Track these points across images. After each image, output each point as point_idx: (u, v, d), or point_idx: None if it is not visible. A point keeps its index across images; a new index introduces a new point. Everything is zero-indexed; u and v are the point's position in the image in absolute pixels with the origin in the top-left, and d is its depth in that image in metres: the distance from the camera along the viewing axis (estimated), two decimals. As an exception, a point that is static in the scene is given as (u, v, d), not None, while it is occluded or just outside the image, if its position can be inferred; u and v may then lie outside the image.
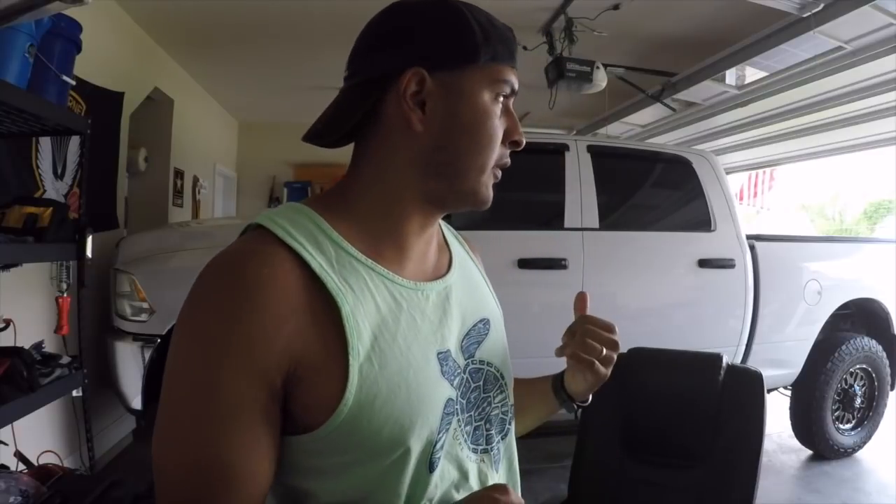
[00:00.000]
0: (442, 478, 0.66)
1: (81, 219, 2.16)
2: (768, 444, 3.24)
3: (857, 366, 3.51)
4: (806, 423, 3.47)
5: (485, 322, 0.75)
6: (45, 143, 2.62)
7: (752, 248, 3.22)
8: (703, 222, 3.19)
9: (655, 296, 3.10)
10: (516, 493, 0.60)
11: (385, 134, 0.66)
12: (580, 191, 3.00)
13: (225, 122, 6.54)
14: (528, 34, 3.71)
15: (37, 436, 2.35)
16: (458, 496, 0.66)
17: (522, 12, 3.45)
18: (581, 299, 0.79)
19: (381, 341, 0.60)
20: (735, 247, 3.17)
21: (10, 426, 1.89)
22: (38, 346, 2.10)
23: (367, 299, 0.61)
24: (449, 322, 0.69)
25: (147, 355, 2.58)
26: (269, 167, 7.04)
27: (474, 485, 0.69)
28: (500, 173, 0.69)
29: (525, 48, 3.75)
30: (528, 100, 4.92)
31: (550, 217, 3.08)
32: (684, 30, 3.62)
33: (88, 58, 2.30)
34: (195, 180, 5.24)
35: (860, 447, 3.58)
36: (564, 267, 2.89)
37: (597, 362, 0.74)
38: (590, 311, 0.78)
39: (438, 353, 0.66)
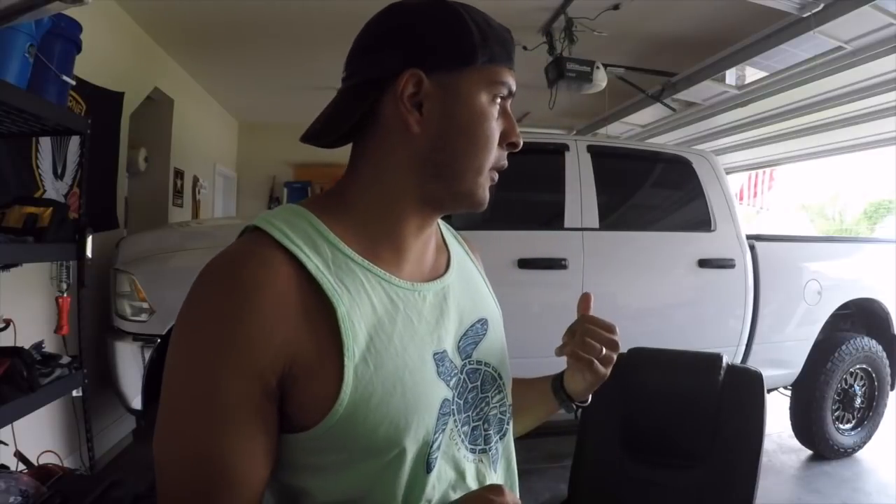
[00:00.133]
0: (439, 478, 0.66)
1: (81, 219, 2.15)
2: (768, 444, 3.25)
3: (857, 366, 3.50)
4: (806, 423, 3.47)
5: (483, 322, 0.75)
6: (45, 143, 2.62)
7: (752, 248, 3.22)
8: (703, 222, 3.19)
9: (655, 296, 3.10)
10: (512, 493, 0.60)
11: (383, 135, 0.66)
12: (580, 191, 3.00)
13: (225, 122, 6.54)
14: (528, 34, 3.71)
15: (37, 436, 2.35)
16: (456, 496, 0.66)
17: (522, 12, 3.45)
18: (585, 300, 0.79)
19: (376, 342, 0.61)
20: (735, 247, 3.17)
21: (10, 426, 1.89)
22: (38, 346, 2.10)
23: (363, 300, 0.61)
24: (446, 322, 0.69)
25: (147, 355, 2.58)
26: (269, 167, 7.04)
27: (472, 485, 0.69)
28: (496, 176, 0.70)
29: (525, 48, 3.75)
30: (528, 100, 4.92)
31: (550, 217, 3.08)
32: (684, 30, 3.62)
33: (88, 58, 2.30)
34: (195, 180, 5.24)
35: (860, 447, 3.58)
36: (564, 267, 2.89)
37: (596, 362, 0.74)
38: (591, 312, 0.78)
39: (435, 354, 0.66)
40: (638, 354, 1.43)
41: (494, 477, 0.73)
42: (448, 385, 0.67)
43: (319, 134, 0.67)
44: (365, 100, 0.65)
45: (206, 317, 0.57)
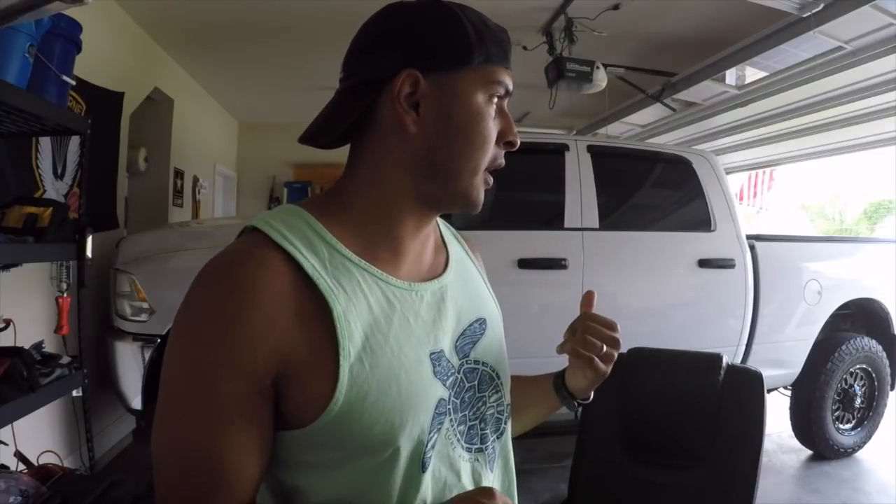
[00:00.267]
0: (434, 478, 0.66)
1: (81, 219, 2.16)
2: (768, 444, 3.25)
3: (857, 366, 3.50)
4: (806, 423, 3.47)
5: (481, 322, 0.75)
6: (45, 143, 2.62)
7: (752, 248, 3.22)
8: (703, 222, 3.19)
9: (655, 296, 3.10)
10: (503, 495, 0.60)
11: (380, 135, 0.66)
12: (580, 191, 3.00)
13: (225, 122, 6.54)
14: (528, 34, 3.71)
15: (37, 436, 2.35)
16: (451, 496, 0.67)
17: (522, 12, 3.45)
18: (587, 297, 0.79)
19: (372, 342, 0.61)
20: (735, 247, 3.17)
21: (10, 426, 1.89)
22: (38, 346, 2.10)
23: (359, 300, 0.62)
24: (443, 322, 0.69)
25: (147, 355, 2.58)
26: (269, 167, 7.04)
27: (467, 484, 0.69)
28: (491, 179, 0.70)
29: (525, 48, 3.75)
30: (528, 100, 4.92)
31: (550, 217, 3.08)
32: (684, 30, 3.62)
33: (88, 58, 2.30)
34: (195, 180, 5.24)
35: (860, 447, 3.58)
36: (564, 267, 2.89)
37: (596, 359, 0.74)
38: (593, 310, 0.78)
39: (431, 354, 0.66)
40: (638, 354, 1.43)
41: (491, 476, 0.73)
42: (444, 385, 0.67)
43: (317, 135, 0.68)
44: (362, 100, 0.65)
45: (203, 316, 0.58)
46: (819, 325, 3.39)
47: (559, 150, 3.06)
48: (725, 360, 1.37)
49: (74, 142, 2.74)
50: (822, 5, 2.78)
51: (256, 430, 0.59)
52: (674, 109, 4.65)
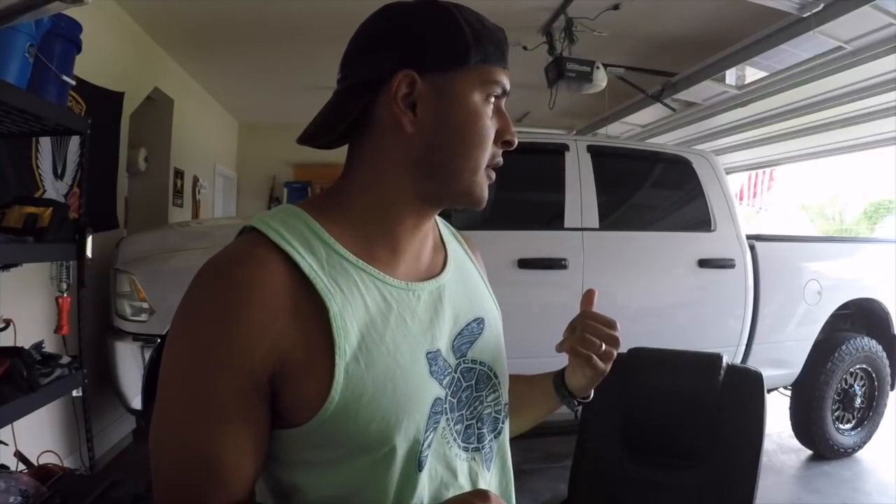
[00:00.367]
0: (430, 477, 0.66)
1: (81, 219, 2.15)
2: (768, 444, 3.25)
3: (857, 366, 3.50)
4: (806, 423, 3.47)
5: (479, 321, 0.75)
6: (45, 143, 2.62)
7: (752, 248, 3.22)
8: (703, 222, 3.19)
9: (655, 296, 3.10)
10: (499, 498, 0.60)
11: (378, 135, 0.67)
12: (580, 191, 3.00)
13: (225, 122, 6.54)
14: (528, 34, 3.71)
15: (37, 436, 2.35)
16: (449, 495, 0.67)
17: (522, 12, 3.45)
18: (588, 296, 0.79)
19: (368, 341, 0.62)
20: (735, 247, 3.17)
21: (10, 426, 1.89)
22: (38, 346, 2.10)
23: (356, 300, 0.62)
24: (440, 322, 0.69)
25: (147, 355, 2.58)
26: (269, 167, 7.04)
27: (464, 483, 0.69)
28: (493, 175, 0.70)
29: (525, 48, 3.75)
30: (528, 100, 4.92)
31: (550, 217, 3.08)
32: (684, 30, 3.62)
33: (88, 58, 2.30)
34: (195, 180, 5.24)
35: (860, 447, 3.58)
36: (564, 267, 2.89)
37: (595, 357, 0.74)
38: (594, 310, 0.78)
39: (427, 353, 0.67)
40: (638, 354, 1.43)
41: (488, 476, 0.73)
42: (441, 384, 0.67)
43: (315, 135, 0.68)
44: (359, 101, 0.66)
45: (201, 315, 0.59)
46: (819, 325, 3.39)
47: (559, 150, 3.06)
48: (725, 360, 1.37)
49: (74, 142, 2.74)
50: (822, 5, 2.78)
51: (253, 429, 0.59)
52: (674, 109, 4.65)
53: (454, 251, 0.79)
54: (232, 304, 0.58)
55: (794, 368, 3.38)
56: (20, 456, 1.86)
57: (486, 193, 0.70)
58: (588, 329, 0.74)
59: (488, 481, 0.73)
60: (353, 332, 0.61)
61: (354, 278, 0.63)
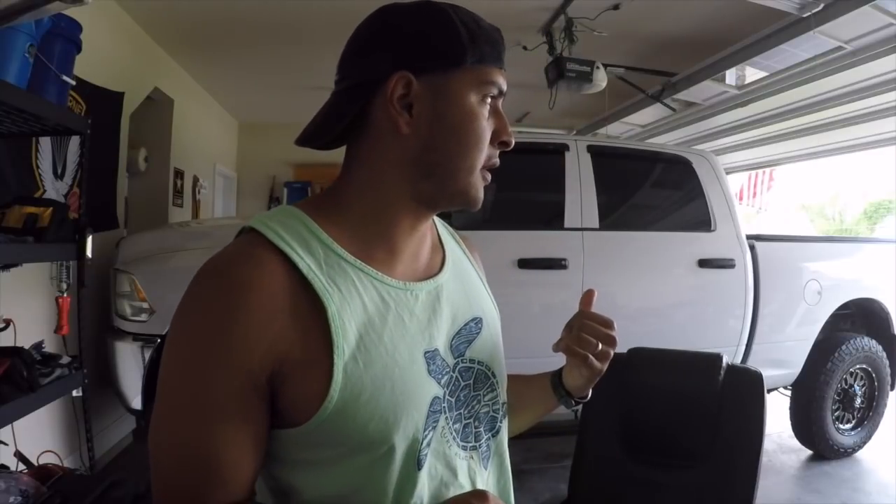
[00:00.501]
0: (430, 475, 0.66)
1: (81, 219, 2.16)
2: (768, 444, 3.25)
3: (857, 366, 3.50)
4: (806, 423, 3.47)
5: (477, 321, 0.75)
6: (45, 143, 2.62)
7: (752, 248, 3.22)
8: (703, 222, 3.19)
9: (655, 296, 3.10)
10: (497, 498, 0.61)
11: (375, 136, 0.67)
12: (580, 191, 3.00)
13: (225, 122, 6.54)
14: (528, 34, 3.71)
15: (37, 436, 2.35)
16: (449, 494, 0.67)
17: (522, 12, 3.45)
18: (587, 296, 0.79)
19: (366, 340, 0.62)
20: (735, 247, 3.17)
21: (10, 426, 1.89)
22: (38, 346, 2.10)
23: (354, 299, 0.63)
24: (438, 321, 0.70)
25: (147, 355, 2.58)
26: (269, 167, 7.04)
27: (464, 482, 0.70)
28: (489, 176, 0.70)
29: (525, 48, 3.75)
30: (528, 100, 4.92)
31: (550, 217, 3.08)
32: (684, 30, 3.62)
33: (88, 58, 2.30)
34: (195, 180, 5.24)
35: (860, 447, 3.58)
36: (564, 267, 2.89)
37: (591, 356, 0.74)
38: (592, 310, 0.78)
39: (426, 353, 0.67)
40: (638, 354, 1.43)
41: (486, 474, 0.74)
42: (439, 383, 0.68)
43: (313, 136, 0.69)
44: (356, 102, 0.66)
45: (201, 316, 0.59)
46: (819, 325, 3.39)
47: (559, 150, 3.06)
48: (725, 360, 1.37)
49: (74, 142, 2.74)
50: (822, 5, 2.78)
51: (252, 429, 0.60)
52: (674, 109, 4.65)
53: (452, 251, 0.79)
54: (231, 304, 0.58)
55: (794, 368, 3.38)
56: (20, 456, 1.86)
57: (481, 194, 0.70)
58: (585, 328, 0.74)
59: (486, 480, 0.74)
60: (351, 331, 0.61)
61: (352, 278, 0.64)
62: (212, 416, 0.58)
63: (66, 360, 2.13)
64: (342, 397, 0.60)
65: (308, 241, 0.64)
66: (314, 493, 0.64)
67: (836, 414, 3.49)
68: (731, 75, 4.03)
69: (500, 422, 0.77)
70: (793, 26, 3.00)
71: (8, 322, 2.03)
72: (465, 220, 2.59)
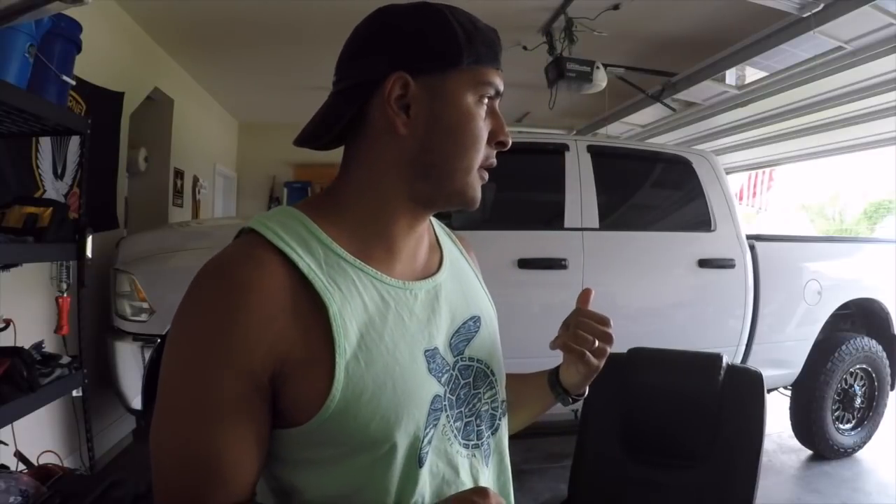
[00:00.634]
0: (432, 473, 0.67)
1: (81, 219, 2.16)
2: (768, 444, 3.25)
3: (857, 366, 3.50)
4: (806, 423, 3.47)
5: (475, 320, 0.76)
6: (45, 143, 2.62)
7: (752, 248, 3.22)
8: (703, 222, 3.19)
9: (655, 296, 3.10)
10: (498, 495, 0.61)
11: (373, 137, 0.67)
12: (580, 191, 3.00)
13: (225, 122, 6.54)
14: (528, 34, 3.71)
15: (37, 436, 2.35)
16: (451, 492, 0.67)
17: (522, 12, 3.45)
18: (584, 295, 0.79)
19: (367, 340, 0.62)
20: (735, 247, 3.17)
21: (10, 426, 1.89)
22: (38, 346, 2.10)
23: (354, 299, 0.63)
24: (437, 320, 0.70)
25: (147, 355, 2.58)
26: (269, 167, 7.04)
27: (466, 479, 0.70)
28: (486, 175, 0.71)
29: (525, 48, 3.75)
30: (528, 100, 4.92)
31: (550, 217, 3.08)
32: (684, 30, 3.62)
33: (88, 58, 2.30)
34: (195, 180, 5.24)
35: (860, 447, 3.58)
36: (564, 267, 2.89)
37: (588, 353, 0.74)
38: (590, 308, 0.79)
39: (426, 351, 0.67)
40: (638, 354, 1.43)
41: (486, 472, 0.74)
42: (440, 381, 0.68)
43: (312, 137, 0.69)
44: (354, 103, 0.66)
45: (201, 317, 0.60)
46: (819, 325, 3.39)
47: (559, 150, 3.06)
48: (725, 360, 1.37)
49: (74, 142, 2.74)
50: (822, 5, 2.78)
51: (254, 429, 0.60)
52: (674, 109, 4.65)
53: (449, 251, 0.80)
54: (231, 305, 0.58)
55: (794, 368, 3.38)
56: (20, 456, 1.86)
57: (478, 194, 0.70)
58: (581, 326, 0.75)
59: (486, 477, 0.74)
60: (352, 330, 0.61)
61: (352, 278, 0.64)
62: (213, 416, 0.58)
63: (66, 360, 2.13)
64: (344, 396, 0.60)
65: (307, 241, 0.64)
66: (316, 493, 0.64)
67: (836, 414, 3.49)
68: (731, 75, 4.03)
69: (500, 419, 0.77)
70: (793, 26, 3.00)
71: (8, 322, 2.03)
72: (464, 220, 2.59)
